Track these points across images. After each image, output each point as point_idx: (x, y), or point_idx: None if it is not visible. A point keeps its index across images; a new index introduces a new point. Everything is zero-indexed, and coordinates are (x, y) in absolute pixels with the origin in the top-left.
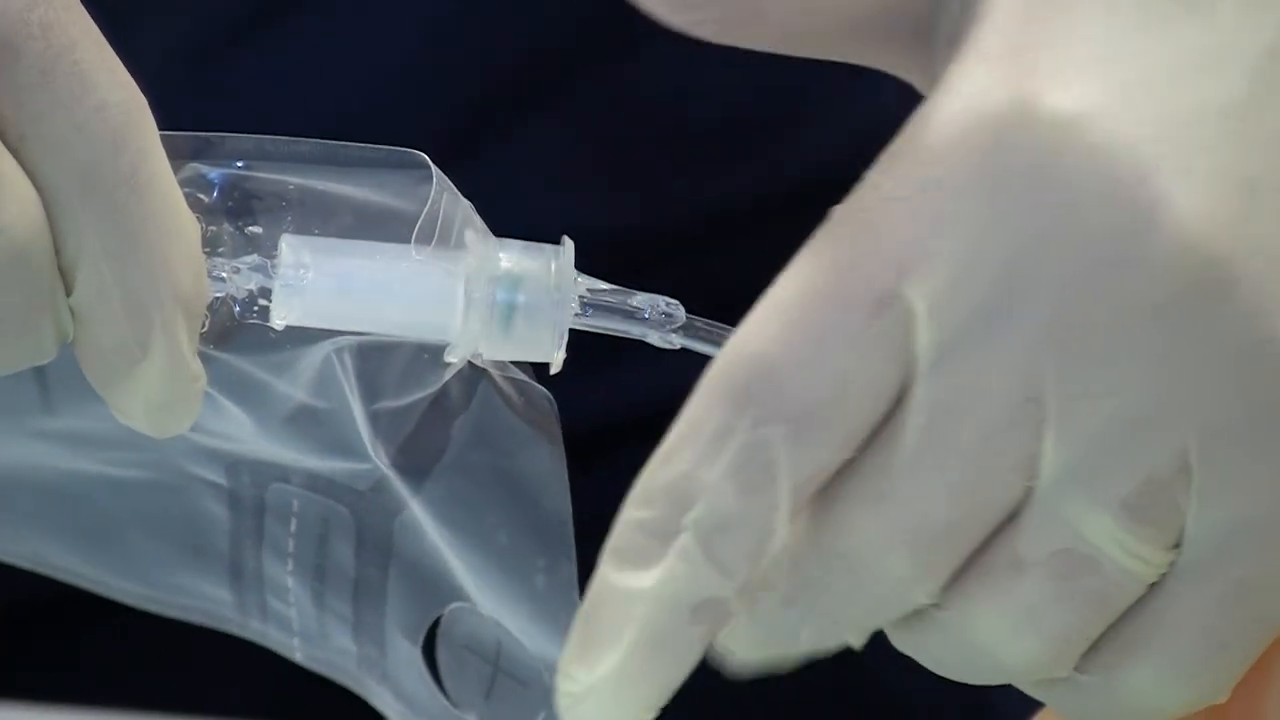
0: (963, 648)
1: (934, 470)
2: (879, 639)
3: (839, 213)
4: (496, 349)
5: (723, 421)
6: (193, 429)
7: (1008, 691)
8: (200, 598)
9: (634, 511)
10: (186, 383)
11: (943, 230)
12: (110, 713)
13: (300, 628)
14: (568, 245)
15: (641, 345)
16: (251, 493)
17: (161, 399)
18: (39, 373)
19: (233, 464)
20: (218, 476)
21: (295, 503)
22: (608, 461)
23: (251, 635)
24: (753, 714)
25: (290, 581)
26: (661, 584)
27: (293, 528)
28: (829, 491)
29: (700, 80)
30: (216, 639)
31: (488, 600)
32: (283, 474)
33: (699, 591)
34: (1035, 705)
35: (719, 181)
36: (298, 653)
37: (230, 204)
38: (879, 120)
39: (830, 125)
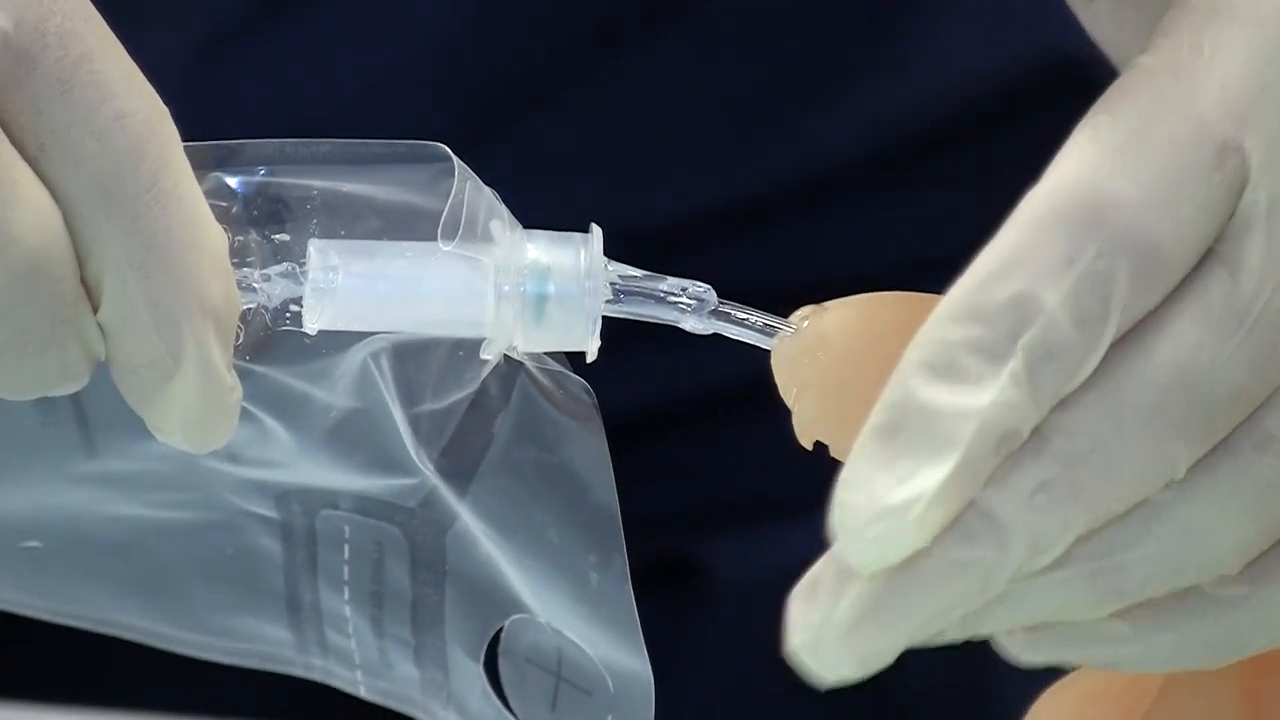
0: (1174, 531)
1: (1247, 333)
2: None
3: (1150, 62)
4: (531, 340)
5: (1065, 247)
6: (238, 458)
7: (1003, 684)
8: (260, 640)
9: (960, 327)
10: (222, 395)
11: (1271, 93)
12: (110, 713)
13: (362, 660)
14: (596, 233)
15: (658, 336)
16: (302, 522)
17: (198, 413)
18: (80, 415)
19: (281, 494)
20: (268, 509)
21: (347, 528)
22: (633, 452)
23: (314, 674)
24: (750, 708)
25: (348, 611)
26: (993, 406)
27: (346, 554)
28: (1122, 345)
29: (710, 73)
30: None
31: (544, 605)
32: (331, 499)
33: (1014, 419)
34: (1029, 698)
35: (733, 175)
36: (361, 687)
37: (255, 213)
38: (880, 117)
39: (835, 122)
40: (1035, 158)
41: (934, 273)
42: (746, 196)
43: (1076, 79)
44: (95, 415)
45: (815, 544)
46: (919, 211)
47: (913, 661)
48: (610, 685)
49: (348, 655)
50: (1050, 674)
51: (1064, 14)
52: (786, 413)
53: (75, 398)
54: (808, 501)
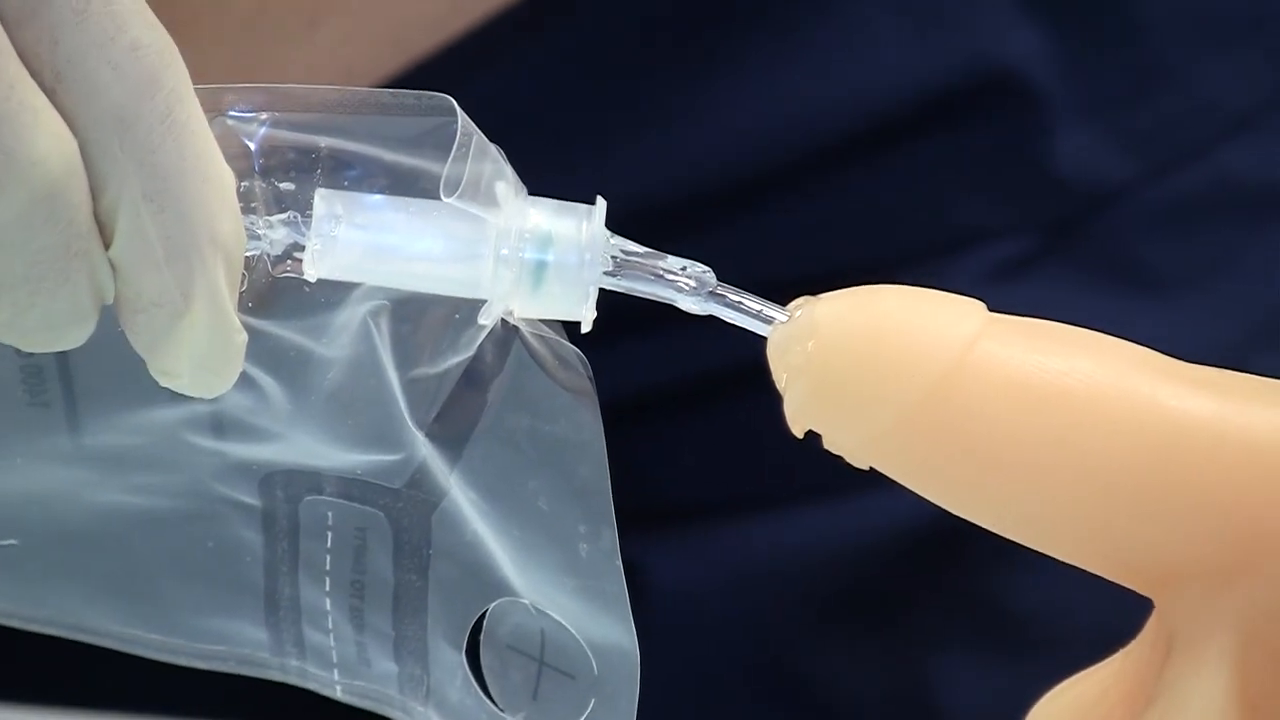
0: None
1: None
2: (827, 646)
3: None
4: (527, 307)
5: None
6: (229, 428)
7: (959, 697)
8: (236, 642)
9: None
10: (230, 335)
11: None
12: (110, 713)
13: (339, 657)
14: (600, 205)
15: (598, 337)
16: (285, 509)
17: (205, 353)
18: (68, 391)
19: (265, 478)
20: (250, 496)
21: (330, 515)
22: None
23: (290, 677)
24: (688, 711)
25: (328, 604)
26: None
27: (329, 543)
28: None
29: (622, 61)
30: None
31: (531, 579)
32: (316, 483)
33: None
34: (979, 707)
35: (659, 168)
36: (338, 687)
37: (261, 160)
38: (808, 114)
39: (820, 102)
40: (965, 164)
41: (869, 274)
42: (680, 190)
43: (1008, 86)
44: (84, 390)
45: (751, 549)
46: (852, 212)
47: (850, 670)
48: (595, 667)
49: (325, 653)
50: (1035, 683)
51: (994, 21)
52: (727, 416)
53: (65, 371)
54: (743, 506)
